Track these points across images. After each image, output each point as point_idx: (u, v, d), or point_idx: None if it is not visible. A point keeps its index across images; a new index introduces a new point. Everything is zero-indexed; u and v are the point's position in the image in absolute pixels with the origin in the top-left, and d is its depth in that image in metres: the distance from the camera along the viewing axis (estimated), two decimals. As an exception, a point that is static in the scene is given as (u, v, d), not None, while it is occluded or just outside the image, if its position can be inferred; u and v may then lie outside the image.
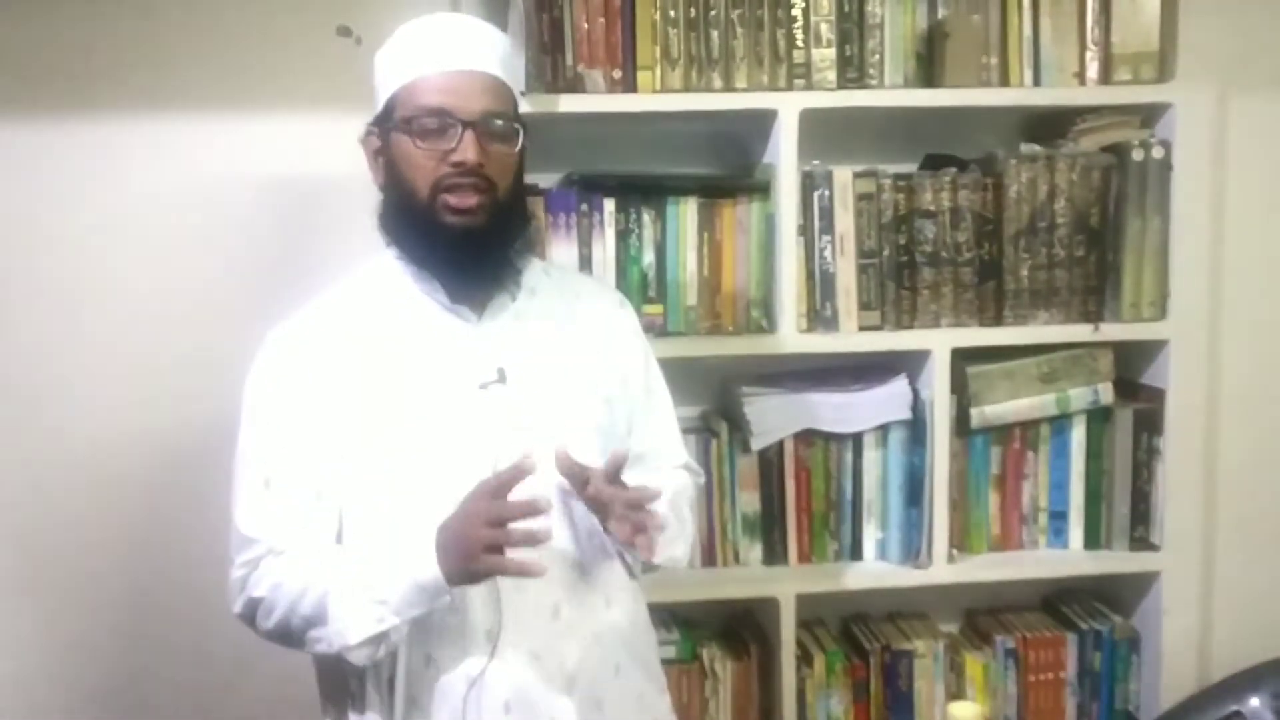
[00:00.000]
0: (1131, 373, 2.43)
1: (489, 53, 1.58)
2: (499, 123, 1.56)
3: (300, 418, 1.54)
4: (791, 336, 2.24)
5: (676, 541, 1.65)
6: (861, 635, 2.43)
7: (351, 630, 1.46)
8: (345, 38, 2.25)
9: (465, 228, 1.53)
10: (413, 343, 1.58)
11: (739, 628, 2.44)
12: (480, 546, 1.39)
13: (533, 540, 1.38)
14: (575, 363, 1.64)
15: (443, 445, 1.54)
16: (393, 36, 1.61)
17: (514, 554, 1.40)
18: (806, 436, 2.33)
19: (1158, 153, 2.29)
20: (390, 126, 1.56)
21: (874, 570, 2.35)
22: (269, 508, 1.53)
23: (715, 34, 2.18)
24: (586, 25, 2.15)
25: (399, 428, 1.53)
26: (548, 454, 1.48)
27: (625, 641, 1.64)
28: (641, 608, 1.70)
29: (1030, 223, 2.29)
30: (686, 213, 2.23)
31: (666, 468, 1.75)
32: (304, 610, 1.49)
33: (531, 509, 1.38)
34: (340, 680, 1.58)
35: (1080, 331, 2.32)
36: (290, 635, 1.52)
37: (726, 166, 2.37)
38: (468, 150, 1.51)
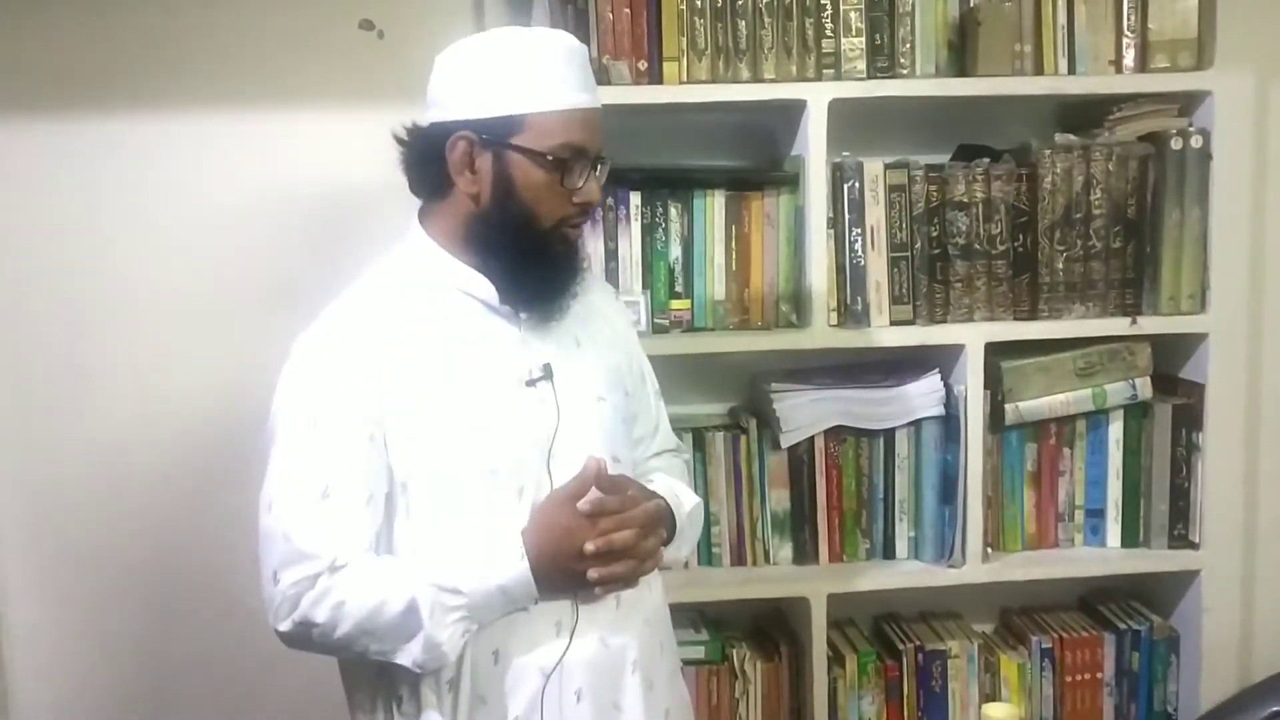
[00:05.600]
0: (1170, 367, 2.38)
1: (596, 84, 1.59)
2: (600, 160, 1.58)
3: (350, 422, 1.49)
4: (821, 331, 2.21)
5: (683, 545, 1.72)
6: (894, 635, 2.40)
7: (448, 645, 1.46)
8: (368, 31, 2.23)
9: (568, 255, 1.58)
10: (457, 339, 1.56)
11: (769, 628, 2.41)
12: (584, 572, 1.48)
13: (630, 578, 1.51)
14: (600, 357, 1.66)
15: (495, 442, 1.53)
16: (502, 42, 1.54)
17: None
18: (837, 433, 2.29)
19: (1196, 142, 2.25)
20: (507, 144, 1.50)
21: (907, 569, 2.32)
22: (327, 520, 1.47)
23: (742, 24, 2.15)
24: (611, 16, 2.12)
25: (451, 424, 1.51)
26: (592, 446, 1.56)
27: (663, 622, 1.70)
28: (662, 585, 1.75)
29: (1065, 214, 2.25)
30: (713, 206, 2.21)
31: (669, 464, 1.81)
32: (379, 627, 1.46)
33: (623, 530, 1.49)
34: (386, 683, 1.56)
35: (1117, 325, 2.28)
36: (349, 651, 1.50)
37: (754, 158, 2.34)
38: (594, 192, 1.54)
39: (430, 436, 1.50)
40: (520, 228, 1.53)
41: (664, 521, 1.60)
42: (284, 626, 1.49)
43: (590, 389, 1.62)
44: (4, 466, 2.27)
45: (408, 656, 1.47)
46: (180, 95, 2.22)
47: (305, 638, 1.49)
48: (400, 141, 1.60)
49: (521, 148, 1.50)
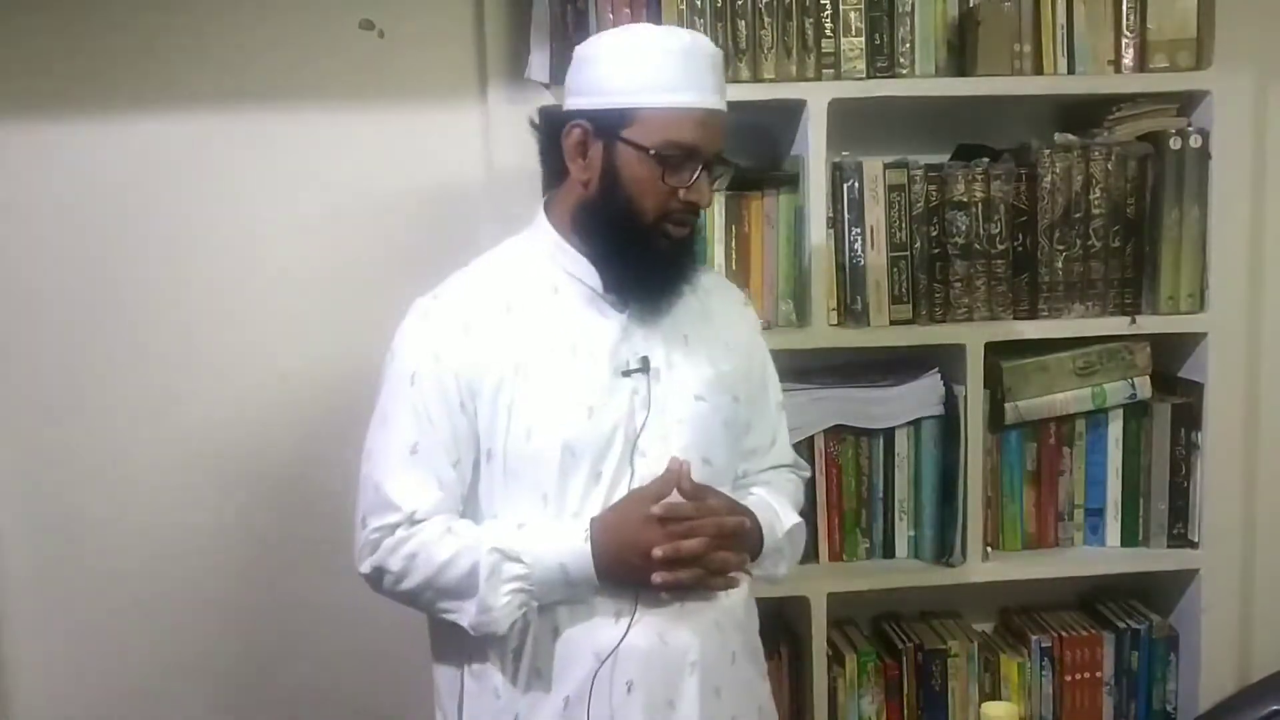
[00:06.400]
0: (1169, 366, 2.39)
1: (723, 85, 1.60)
2: (722, 162, 1.60)
3: (444, 386, 1.57)
4: (821, 330, 2.21)
5: (780, 563, 1.72)
6: (894, 634, 2.40)
7: (500, 612, 1.52)
8: (367, 31, 2.24)
9: (674, 252, 1.60)
10: (559, 322, 1.60)
11: (769, 627, 2.38)
12: (648, 573, 1.50)
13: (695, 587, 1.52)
14: (709, 358, 1.68)
15: (577, 424, 1.57)
16: (629, 37, 1.59)
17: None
18: (837, 432, 2.29)
19: (1195, 141, 2.25)
20: (618, 136, 1.54)
21: (906, 568, 2.32)
22: (413, 475, 1.56)
23: (742, 24, 2.15)
24: (611, 15, 2.12)
25: (536, 401, 1.57)
26: (680, 443, 1.59)
27: (740, 629, 1.69)
28: (751, 597, 1.75)
29: (1065, 214, 2.25)
30: (713, 205, 2.20)
31: (781, 478, 1.81)
32: (443, 584, 1.54)
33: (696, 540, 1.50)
34: (459, 640, 1.61)
35: (1116, 324, 2.28)
36: (418, 603, 1.60)
37: (754, 158, 2.33)
38: (703, 193, 1.56)
39: (516, 410, 1.56)
40: (623, 219, 1.57)
41: (746, 537, 1.61)
42: (364, 569, 1.59)
43: (689, 387, 1.63)
44: (5, 468, 2.27)
45: (465, 617, 1.54)
46: (178, 95, 2.22)
47: (380, 582, 1.59)
48: (533, 125, 1.65)
49: (629, 141, 1.54)
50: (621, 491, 1.57)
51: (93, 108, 2.20)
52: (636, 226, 1.56)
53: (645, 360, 1.60)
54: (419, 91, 2.24)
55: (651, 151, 1.53)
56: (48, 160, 2.22)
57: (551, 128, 1.61)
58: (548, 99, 2.09)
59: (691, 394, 1.63)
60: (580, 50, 1.61)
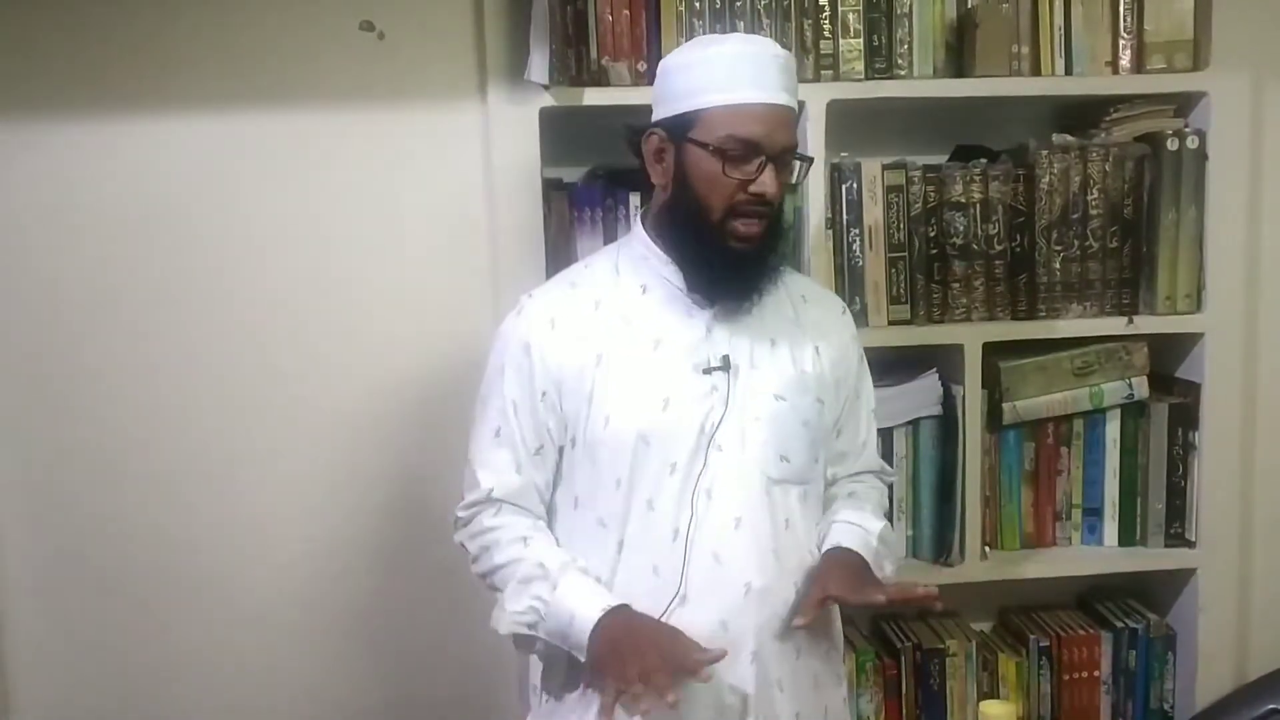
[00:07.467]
0: (1167, 366, 2.40)
1: (789, 84, 1.65)
2: (791, 157, 1.65)
3: (528, 376, 1.69)
4: (820, 331, 2.21)
5: (884, 565, 1.78)
6: (893, 634, 2.41)
7: (508, 616, 1.65)
8: (368, 32, 2.24)
9: (745, 252, 1.65)
10: (646, 320, 1.69)
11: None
12: (621, 691, 1.51)
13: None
14: (794, 361, 1.73)
15: (652, 416, 1.65)
16: (697, 48, 1.68)
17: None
18: (835, 432, 2.30)
19: (1192, 142, 2.26)
20: (686, 138, 1.63)
21: (905, 568, 2.30)
22: (497, 457, 1.70)
23: (741, 25, 2.16)
24: (610, 17, 2.13)
25: (615, 393, 1.66)
26: (757, 440, 1.66)
27: (806, 632, 1.71)
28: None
29: (1063, 214, 2.26)
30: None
31: (866, 487, 1.87)
32: (496, 580, 1.69)
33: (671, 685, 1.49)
34: None
35: (1114, 324, 2.29)
36: (483, 582, 1.74)
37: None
38: (769, 184, 1.61)
39: (596, 398, 1.66)
40: (694, 216, 1.65)
41: (866, 572, 1.69)
42: (457, 539, 1.75)
43: (770, 386, 1.69)
44: (5, 467, 2.27)
45: (496, 609, 1.67)
46: (177, 96, 2.21)
47: (464, 555, 1.75)
48: (626, 140, 1.75)
49: (695, 140, 1.62)
50: (693, 481, 1.64)
51: (89, 110, 2.20)
52: (708, 224, 1.63)
53: (726, 359, 1.66)
54: (419, 92, 2.24)
55: (711, 147, 1.60)
56: (37, 163, 2.21)
57: (636, 139, 1.71)
58: (547, 100, 2.10)
59: (772, 393, 1.69)
60: (659, 64, 1.70)
